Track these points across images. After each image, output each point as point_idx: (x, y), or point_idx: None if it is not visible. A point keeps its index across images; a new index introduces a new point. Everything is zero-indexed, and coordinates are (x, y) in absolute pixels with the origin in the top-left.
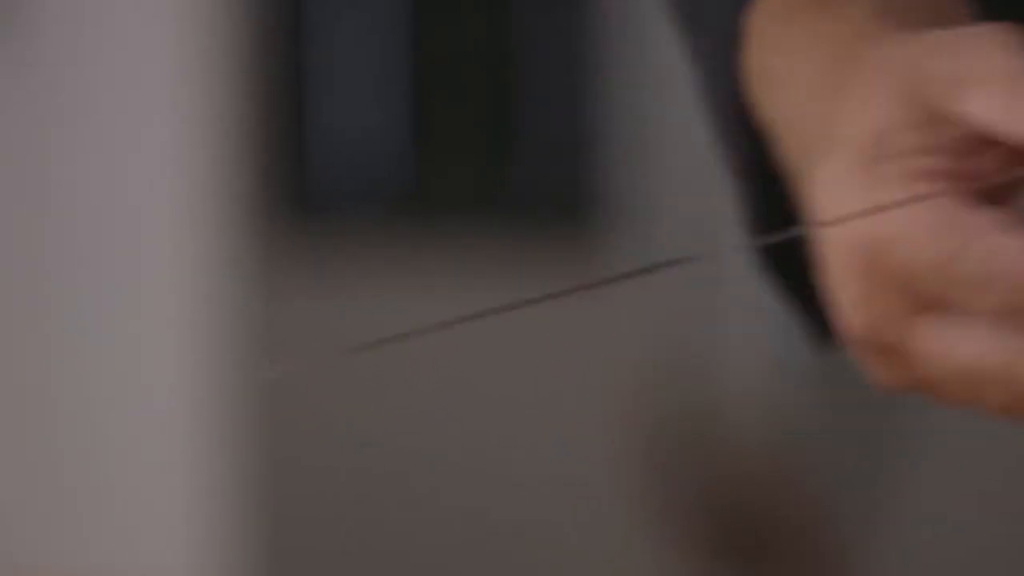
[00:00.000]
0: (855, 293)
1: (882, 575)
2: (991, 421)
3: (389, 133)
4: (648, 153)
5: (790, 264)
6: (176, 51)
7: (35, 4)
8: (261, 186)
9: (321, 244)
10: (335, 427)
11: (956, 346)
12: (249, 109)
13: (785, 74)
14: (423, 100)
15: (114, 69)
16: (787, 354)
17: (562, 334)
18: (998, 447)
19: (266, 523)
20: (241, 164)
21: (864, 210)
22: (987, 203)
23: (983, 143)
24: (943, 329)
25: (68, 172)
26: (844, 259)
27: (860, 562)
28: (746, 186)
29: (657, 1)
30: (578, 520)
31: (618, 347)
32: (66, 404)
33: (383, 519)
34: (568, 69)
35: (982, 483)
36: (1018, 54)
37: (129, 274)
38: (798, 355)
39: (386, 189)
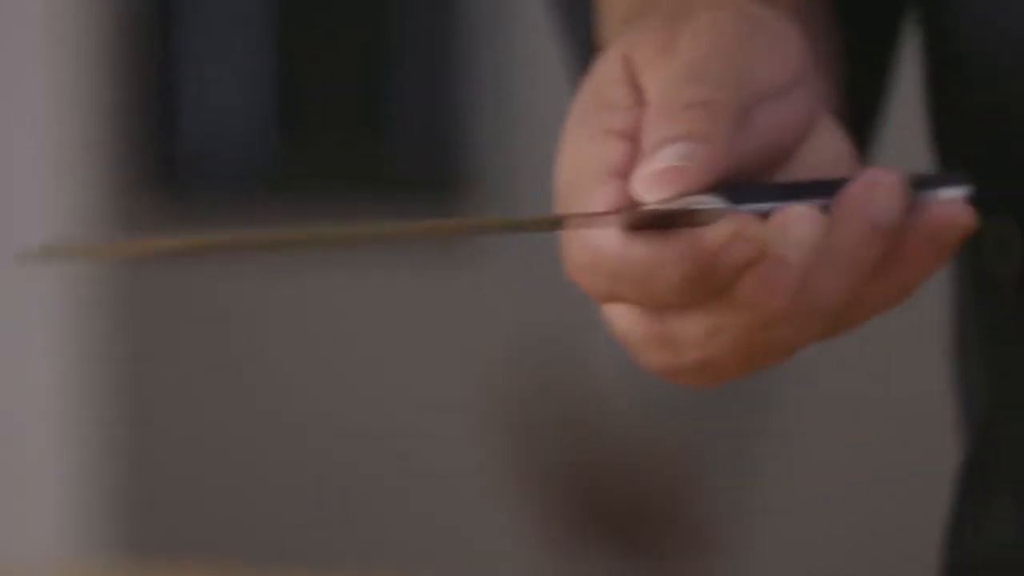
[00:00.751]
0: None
1: (749, 546)
2: (855, 398)
3: (257, 110)
4: (518, 132)
5: None
6: (48, 29)
7: None
8: (130, 162)
9: (189, 219)
10: (208, 405)
11: (618, 315)
12: (120, 88)
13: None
14: (292, 78)
15: None
16: None
17: (433, 314)
18: (861, 423)
19: (134, 499)
20: (110, 142)
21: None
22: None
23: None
24: None
25: None
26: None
27: (727, 534)
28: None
29: None
30: (448, 497)
31: (488, 328)
32: None
33: (258, 486)
34: (439, 48)
35: (846, 454)
36: (705, 44)
37: None
38: None
39: (255, 165)
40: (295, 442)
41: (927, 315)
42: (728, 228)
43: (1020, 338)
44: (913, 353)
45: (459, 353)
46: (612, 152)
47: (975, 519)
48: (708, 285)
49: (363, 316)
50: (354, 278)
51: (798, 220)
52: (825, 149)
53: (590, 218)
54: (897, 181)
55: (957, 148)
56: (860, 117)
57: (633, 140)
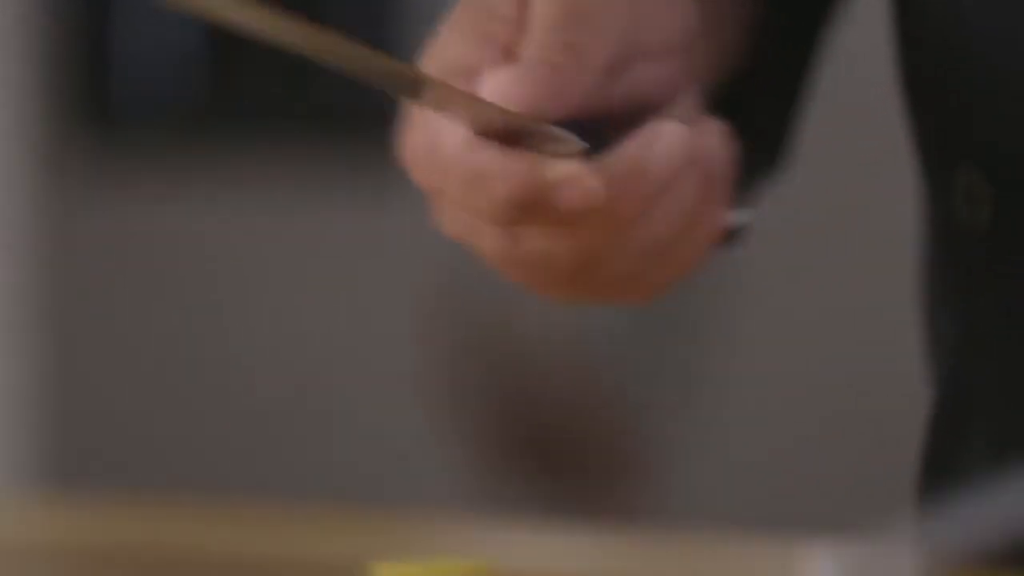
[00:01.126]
0: None
1: (686, 479)
2: (794, 328)
3: (190, 42)
4: None
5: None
6: None
7: None
8: (63, 93)
9: (120, 152)
10: (136, 334)
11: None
12: (53, 20)
13: None
14: None
15: None
16: None
17: (363, 244)
18: (801, 354)
19: (59, 429)
20: (43, 73)
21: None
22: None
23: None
24: None
25: None
26: None
27: (663, 468)
28: None
29: None
30: (383, 431)
31: (420, 263)
32: None
33: (187, 415)
34: None
35: (784, 385)
36: None
37: None
38: None
39: (187, 97)
40: (226, 372)
41: (890, 259)
42: (571, 169)
43: (988, 286)
44: (878, 299)
45: (390, 283)
46: (483, 57)
47: (948, 464)
48: (528, 212)
49: (293, 246)
50: (283, 206)
51: (663, 134)
52: (683, 119)
53: (451, 91)
54: (676, 128)
55: (926, 103)
56: (785, 93)
57: (506, 54)
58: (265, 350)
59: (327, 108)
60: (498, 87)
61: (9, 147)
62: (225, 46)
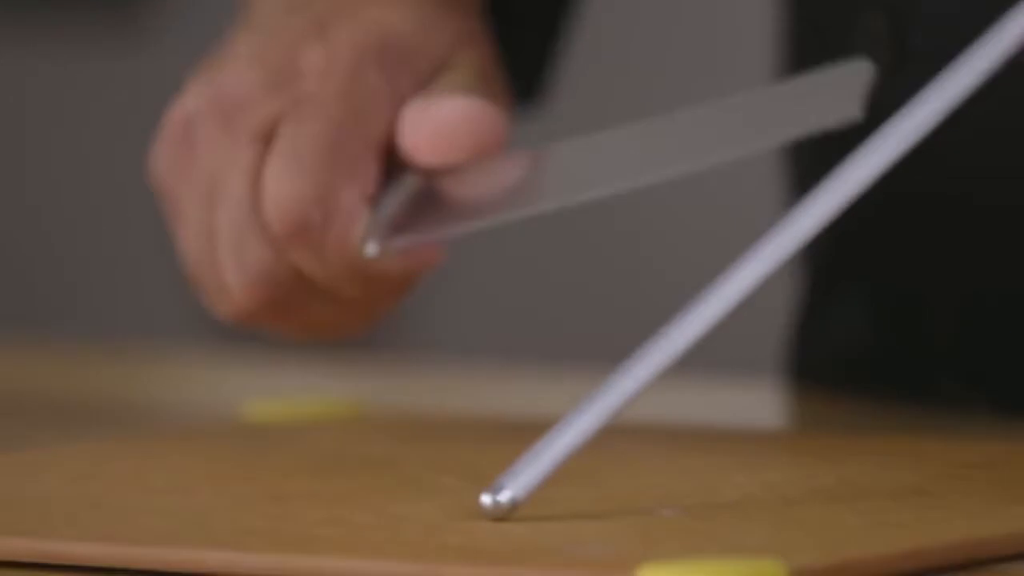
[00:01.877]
0: None
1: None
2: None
3: None
4: None
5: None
6: None
7: None
8: None
9: None
10: None
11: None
12: None
13: None
14: None
15: None
16: None
17: (116, 92)
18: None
19: None
20: None
21: None
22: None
23: None
24: None
25: None
26: None
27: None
28: None
29: None
30: (128, 271)
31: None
32: None
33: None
34: None
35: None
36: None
37: None
38: None
39: None
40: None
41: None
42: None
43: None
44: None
45: (142, 133)
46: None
47: (822, 316)
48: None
49: (44, 95)
50: (32, 54)
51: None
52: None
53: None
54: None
55: None
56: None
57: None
58: (37, 196)
59: None
60: (468, 110)
61: None
62: None
